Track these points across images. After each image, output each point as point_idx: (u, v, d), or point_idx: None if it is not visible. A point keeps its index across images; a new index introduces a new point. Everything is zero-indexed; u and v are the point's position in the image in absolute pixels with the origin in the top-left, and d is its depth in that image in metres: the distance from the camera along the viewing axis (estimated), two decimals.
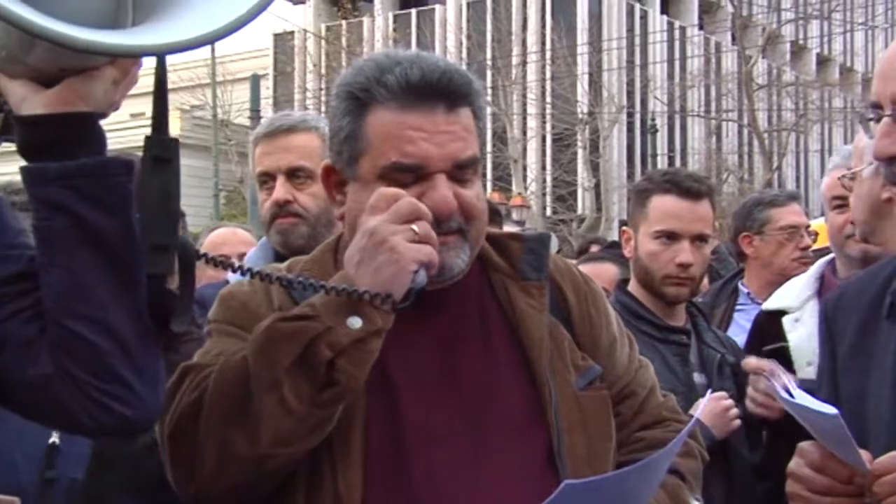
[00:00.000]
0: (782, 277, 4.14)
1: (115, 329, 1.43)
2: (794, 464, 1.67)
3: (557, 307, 1.88)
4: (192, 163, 39.06)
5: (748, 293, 4.28)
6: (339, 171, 1.82)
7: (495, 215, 4.24)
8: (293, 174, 2.76)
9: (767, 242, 4.33)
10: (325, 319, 1.57)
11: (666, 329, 3.17)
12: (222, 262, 1.60)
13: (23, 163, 1.45)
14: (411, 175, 1.73)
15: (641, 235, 3.19)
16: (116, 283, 1.43)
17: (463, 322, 1.83)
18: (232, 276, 2.86)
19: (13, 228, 1.49)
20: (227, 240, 4.84)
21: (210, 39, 1.33)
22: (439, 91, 1.74)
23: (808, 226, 4.39)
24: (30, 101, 1.42)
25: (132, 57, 1.43)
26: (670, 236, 3.13)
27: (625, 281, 3.35)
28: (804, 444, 1.68)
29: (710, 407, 2.99)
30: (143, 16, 1.43)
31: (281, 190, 2.76)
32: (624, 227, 3.35)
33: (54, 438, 2.39)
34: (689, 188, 3.15)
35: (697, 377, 3.14)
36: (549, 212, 34.54)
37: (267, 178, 2.81)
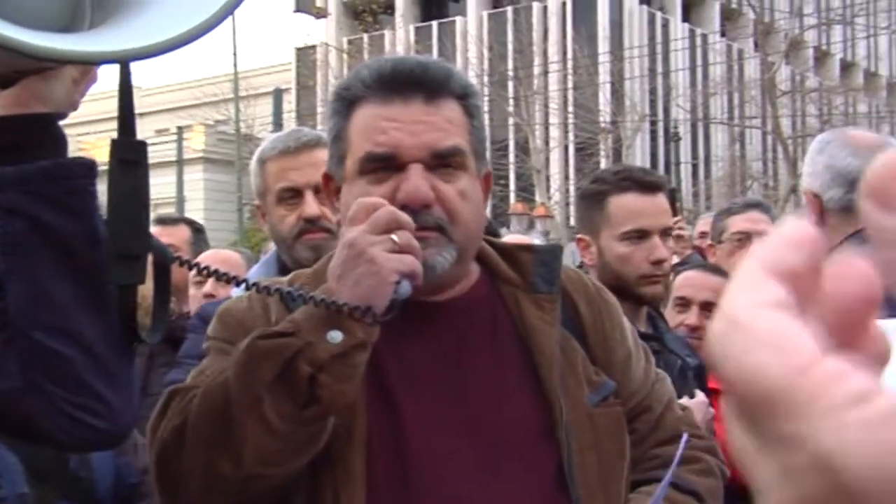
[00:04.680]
0: None
1: (82, 338, 1.38)
2: None
3: (570, 320, 1.84)
4: (216, 177, 39.22)
5: None
6: (333, 176, 1.82)
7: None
8: (320, 189, 2.75)
9: (723, 250, 4.34)
10: (305, 335, 1.53)
11: (640, 337, 3.11)
12: (195, 266, 1.55)
13: None
14: (386, 166, 1.71)
15: (606, 240, 3.04)
16: (82, 290, 1.38)
17: (470, 336, 1.79)
18: (235, 293, 2.88)
19: None
20: (208, 261, 4.80)
21: (175, 45, 1.27)
22: (413, 81, 1.72)
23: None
24: None
25: (94, 64, 1.38)
26: (641, 235, 3.00)
27: None
28: None
29: (696, 402, 2.91)
30: (102, 16, 1.37)
31: (313, 205, 2.75)
32: (579, 236, 3.16)
33: None
34: (648, 183, 3.05)
35: None
36: (572, 221, 34.41)
37: (292, 194, 2.79)
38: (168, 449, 1.60)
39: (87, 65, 1.41)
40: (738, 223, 4.33)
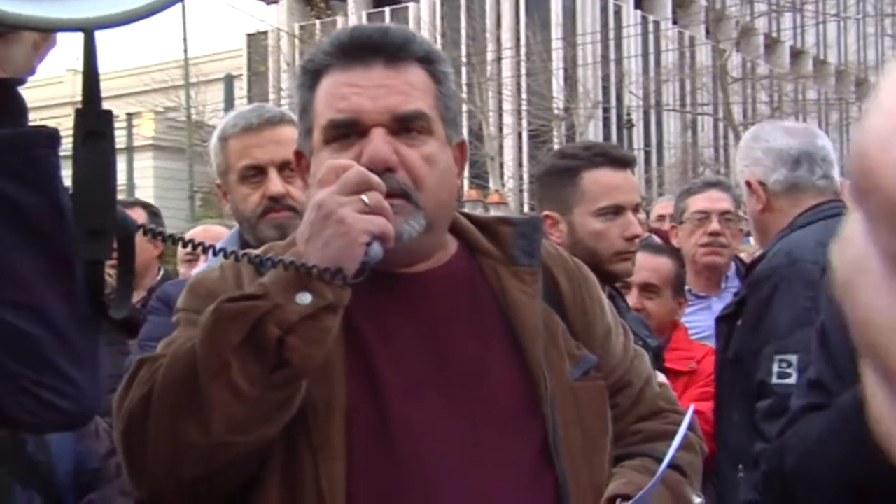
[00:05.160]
0: (694, 265, 4.10)
1: (47, 315, 1.32)
2: None
3: (550, 294, 1.80)
4: (166, 164, 38.87)
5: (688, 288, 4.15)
6: (303, 151, 1.77)
7: None
8: (284, 167, 2.67)
9: (684, 230, 4.31)
10: (273, 297, 1.48)
11: None
12: (160, 233, 1.49)
13: None
14: (348, 132, 1.67)
15: (579, 216, 2.95)
16: (45, 265, 1.32)
17: (450, 309, 1.74)
18: (195, 272, 2.79)
19: None
20: (199, 237, 4.77)
21: (143, 13, 1.23)
22: (372, 46, 1.69)
23: (728, 211, 4.27)
24: None
25: (57, 31, 1.32)
26: (616, 211, 2.93)
27: None
28: None
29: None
30: None
31: (278, 183, 2.68)
32: (547, 212, 3.01)
33: None
34: (620, 158, 3.00)
35: None
36: (526, 208, 34.55)
37: (255, 172, 2.72)
38: (134, 419, 1.54)
39: (50, 32, 1.34)
40: (698, 202, 4.31)
